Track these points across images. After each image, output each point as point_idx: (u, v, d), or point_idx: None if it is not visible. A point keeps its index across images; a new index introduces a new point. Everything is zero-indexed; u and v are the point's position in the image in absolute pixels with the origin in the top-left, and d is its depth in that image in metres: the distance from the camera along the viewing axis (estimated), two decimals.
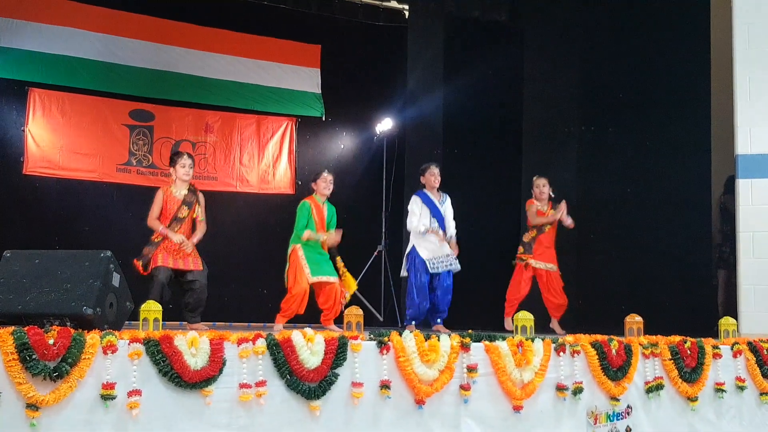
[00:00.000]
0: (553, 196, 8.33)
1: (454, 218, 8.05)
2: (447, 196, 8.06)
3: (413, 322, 7.80)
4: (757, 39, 7.53)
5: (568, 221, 8.16)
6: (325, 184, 7.68)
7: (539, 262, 8.22)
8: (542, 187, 8.31)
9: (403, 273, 8.04)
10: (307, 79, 11.17)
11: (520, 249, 8.30)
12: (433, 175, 7.96)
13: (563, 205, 8.13)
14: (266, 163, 10.78)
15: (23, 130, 9.54)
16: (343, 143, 11.43)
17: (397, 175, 10.97)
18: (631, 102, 8.96)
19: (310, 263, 7.39)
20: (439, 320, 7.85)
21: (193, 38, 10.55)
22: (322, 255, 7.53)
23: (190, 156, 7.48)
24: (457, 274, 8.08)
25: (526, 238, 8.31)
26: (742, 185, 7.40)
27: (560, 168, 9.24)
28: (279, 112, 10.99)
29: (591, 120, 9.16)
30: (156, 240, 7.19)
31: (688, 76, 8.63)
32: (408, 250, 7.95)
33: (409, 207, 8.00)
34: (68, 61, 9.78)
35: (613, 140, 9.02)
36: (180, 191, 7.33)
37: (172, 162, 7.40)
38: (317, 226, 7.55)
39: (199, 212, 7.40)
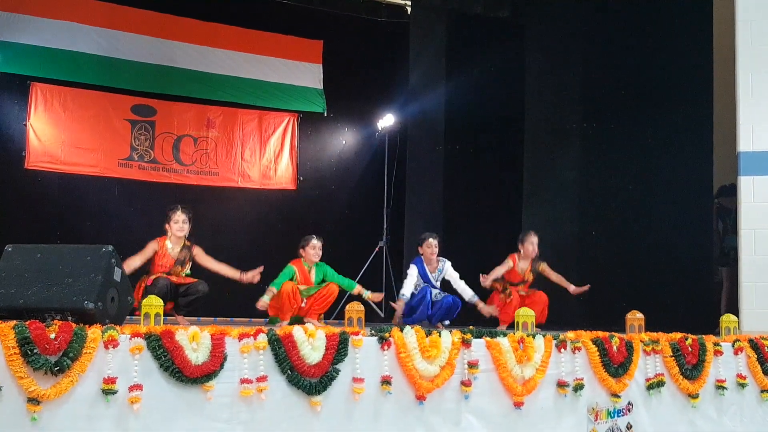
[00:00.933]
0: (537, 253, 8.25)
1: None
2: (446, 262, 8.07)
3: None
4: (759, 36, 7.53)
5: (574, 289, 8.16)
6: (314, 251, 7.48)
7: (521, 291, 8.20)
8: (534, 244, 8.22)
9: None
10: (308, 74, 11.17)
11: (498, 286, 8.23)
12: (429, 248, 8.00)
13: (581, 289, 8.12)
14: (268, 158, 10.78)
15: (25, 125, 9.54)
16: (344, 139, 11.43)
17: (399, 172, 10.97)
18: (633, 99, 8.94)
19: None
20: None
21: (195, 33, 10.54)
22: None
23: (185, 210, 7.17)
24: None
25: (499, 286, 8.25)
26: (744, 182, 7.40)
27: (562, 165, 9.24)
28: (281, 108, 10.99)
29: (593, 117, 9.15)
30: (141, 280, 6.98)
31: (690, 73, 8.61)
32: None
33: (408, 272, 8.05)
34: (70, 56, 9.79)
35: (615, 137, 9.01)
36: (174, 248, 7.10)
37: (167, 218, 7.12)
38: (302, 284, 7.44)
39: (203, 260, 7.23)
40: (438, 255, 8.05)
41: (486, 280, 8.03)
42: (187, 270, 7.20)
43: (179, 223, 7.06)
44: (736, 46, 7.59)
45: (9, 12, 9.46)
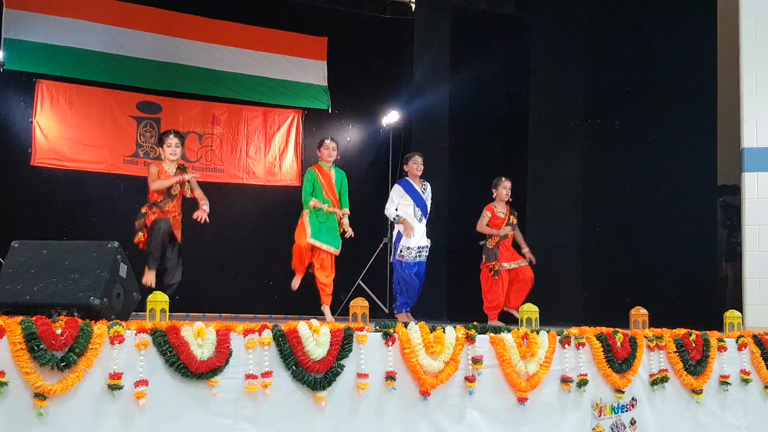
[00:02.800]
0: (511, 200, 8.50)
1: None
2: (428, 184, 8.14)
3: (405, 309, 7.91)
4: (763, 32, 7.53)
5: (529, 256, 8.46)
6: (327, 151, 7.70)
7: (511, 263, 8.34)
8: (508, 189, 8.45)
9: (392, 259, 8.13)
10: (313, 71, 11.20)
11: (484, 258, 8.38)
12: (416, 164, 8.10)
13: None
14: (273, 155, 10.81)
15: (31, 122, 9.59)
16: (349, 136, 11.45)
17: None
18: (637, 95, 8.92)
19: (313, 226, 7.48)
20: (407, 309, 8.05)
21: (201, 30, 10.58)
22: (327, 224, 7.57)
23: (177, 135, 7.33)
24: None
25: (490, 244, 8.39)
26: (748, 178, 7.40)
27: (566, 161, 9.23)
28: (285, 105, 11.02)
29: (597, 113, 9.13)
30: (143, 212, 7.13)
31: (694, 69, 8.60)
32: (395, 238, 8.06)
33: (390, 194, 8.11)
34: (76, 53, 9.83)
35: (619, 133, 8.99)
36: (171, 169, 7.24)
37: (160, 141, 7.35)
38: (325, 190, 7.60)
39: (193, 186, 7.30)
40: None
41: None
42: (187, 191, 7.30)
43: (172, 147, 7.20)
44: (741, 42, 7.60)
45: (15, 9, 9.50)
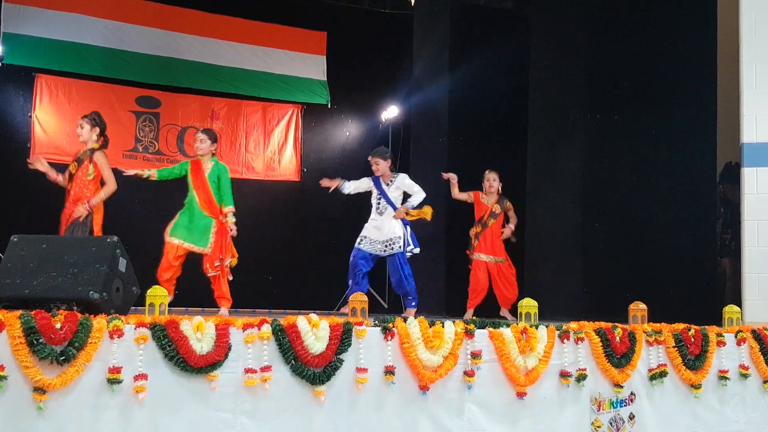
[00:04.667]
0: (501, 192, 8.64)
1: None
2: (399, 174, 8.21)
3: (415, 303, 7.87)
4: (763, 27, 7.51)
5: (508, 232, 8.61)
6: (196, 144, 7.40)
7: (486, 255, 8.47)
8: (492, 181, 8.61)
9: (411, 252, 8.00)
10: (312, 66, 11.18)
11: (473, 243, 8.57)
12: (375, 164, 8.14)
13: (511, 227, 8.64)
14: (272, 150, 10.80)
15: (30, 116, 9.58)
16: (348, 131, 11.44)
17: (402, 163, 10.98)
18: (637, 90, 8.90)
19: (176, 221, 7.22)
20: (411, 304, 7.92)
21: (200, 25, 10.57)
22: (195, 220, 7.24)
23: (85, 116, 7.10)
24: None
25: (472, 232, 8.60)
26: (748, 174, 7.39)
27: (565, 156, 9.22)
28: (285, 99, 11.01)
29: (597, 108, 9.11)
30: None
31: (694, 64, 8.57)
32: (407, 232, 7.95)
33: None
34: (75, 48, 9.82)
35: (619, 129, 8.97)
36: (82, 149, 7.09)
37: None
38: (194, 184, 7.26)
39: (93, 170, 7.01)
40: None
41: (453, 182, 8.49)
42: (90, 173, 7.09)
43: (77, 129, 7.05)
44: (740, 36, 7.58)
45: (14, 4, 9.49)
